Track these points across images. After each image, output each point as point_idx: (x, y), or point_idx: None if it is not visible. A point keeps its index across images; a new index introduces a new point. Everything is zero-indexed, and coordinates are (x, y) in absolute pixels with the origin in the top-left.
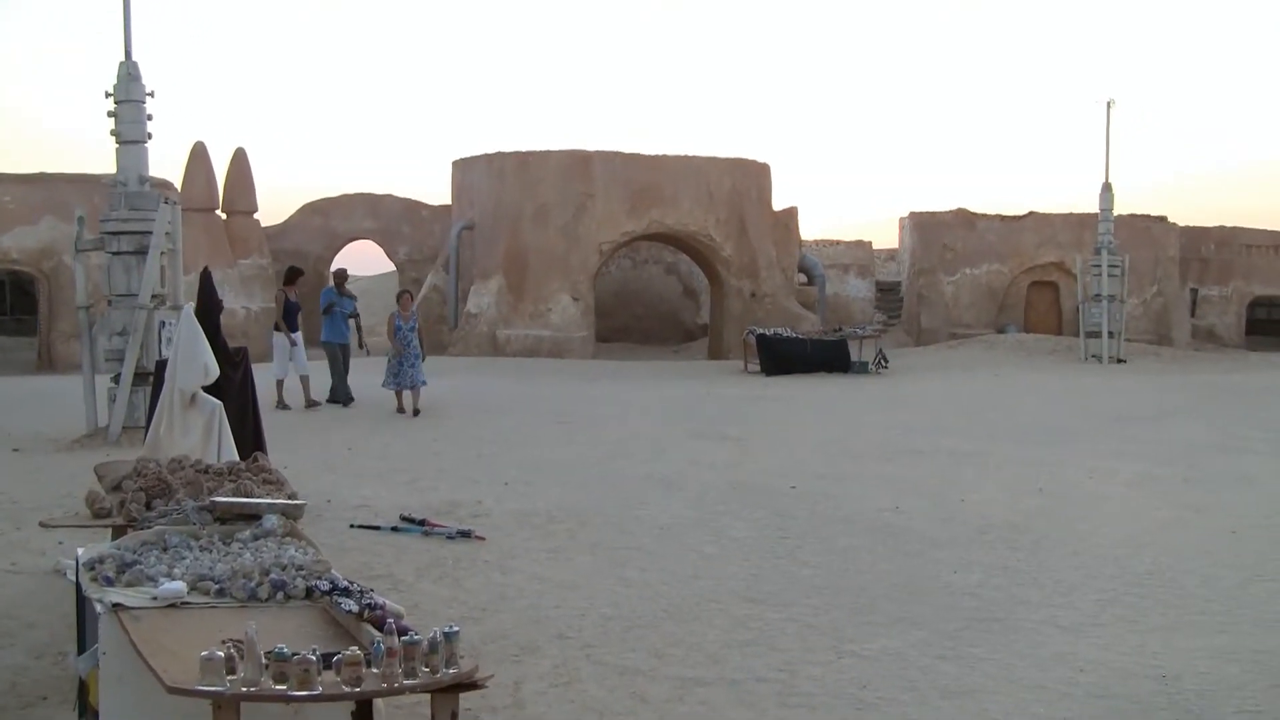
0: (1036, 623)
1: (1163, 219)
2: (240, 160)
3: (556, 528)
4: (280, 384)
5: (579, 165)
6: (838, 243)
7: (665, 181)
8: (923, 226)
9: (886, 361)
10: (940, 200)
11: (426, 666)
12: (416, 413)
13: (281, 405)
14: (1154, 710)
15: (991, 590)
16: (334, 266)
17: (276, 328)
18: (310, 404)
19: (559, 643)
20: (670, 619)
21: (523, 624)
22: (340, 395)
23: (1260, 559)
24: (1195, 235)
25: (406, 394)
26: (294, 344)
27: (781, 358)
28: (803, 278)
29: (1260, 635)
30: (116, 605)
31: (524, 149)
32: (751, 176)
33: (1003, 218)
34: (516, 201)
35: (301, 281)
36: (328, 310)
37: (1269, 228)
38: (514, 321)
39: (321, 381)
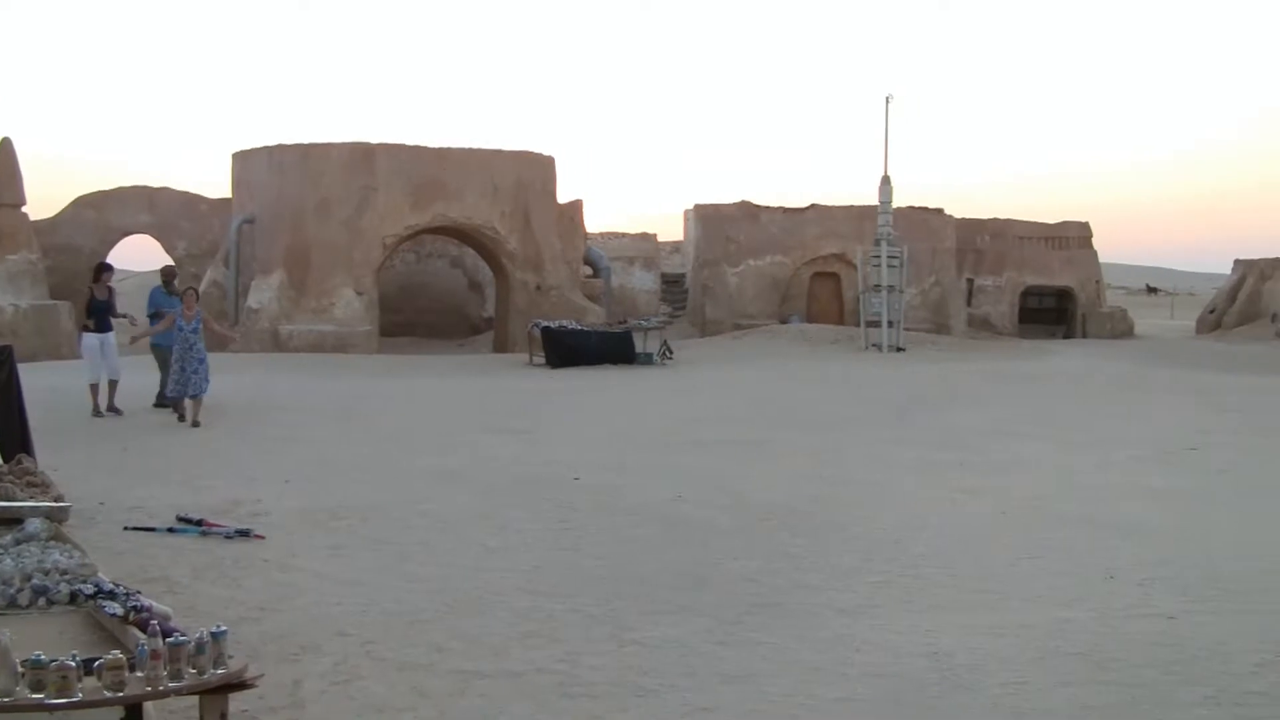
0: (815, 606)
1: (940, 211)
2: (5, 150)
3: (338, 524)
4: (94, 389)
5: (362, 158)
6: (623, 235)
7: (450, 174)
8: (707, 219)
9: (671, 353)
10: (724, 193)
11: (193, 668)
12: (196, 424)
13: (96, 413)
14: (926, 686)
15: (772, 576)
16: (106, 261)
17: (84, 328)
18: (111, 410)
19: (340, 640)
20: (452, 613)
21: (303, 622)
22: (170, 400)
23: (1028, 539)
24: (971, 227)
25: (189, 402)
26: (105, 345)
27: (567, 350)
28: (588, 270)
29: (1027, 611)
30: None
31: (305, 141)
32: (536, 169)
33: (785, 210)
34: (298, 195)
35: (79, 279)
36: (155, 315)
37: (1041, 220)
38: (296, 317)
39: (148, 384)
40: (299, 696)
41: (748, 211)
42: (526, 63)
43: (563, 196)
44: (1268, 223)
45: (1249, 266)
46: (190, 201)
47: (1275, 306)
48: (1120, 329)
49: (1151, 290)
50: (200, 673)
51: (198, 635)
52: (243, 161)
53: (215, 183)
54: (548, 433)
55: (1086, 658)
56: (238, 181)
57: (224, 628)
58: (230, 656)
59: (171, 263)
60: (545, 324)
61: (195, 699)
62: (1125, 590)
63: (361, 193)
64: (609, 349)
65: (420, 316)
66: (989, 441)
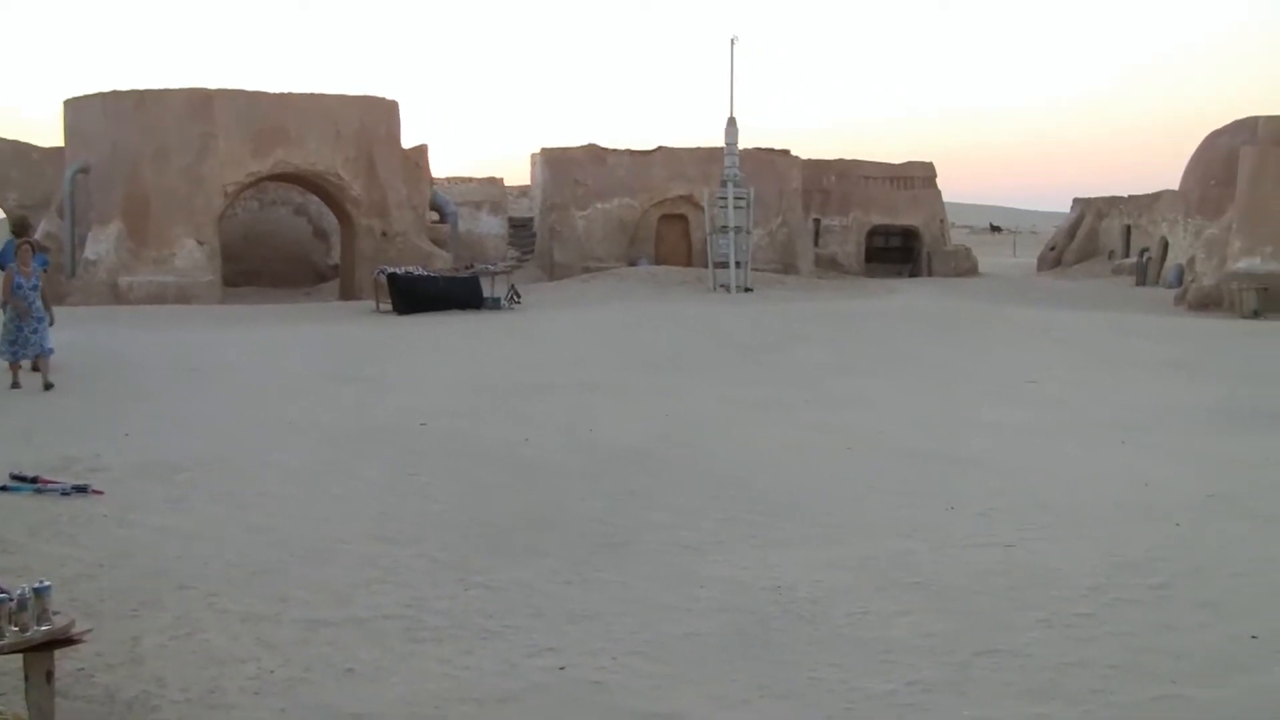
0: (661, 544)
1: (786, 153)
2: None
3: (180, 477)
4: None
5: (200, 104)
6: (470, 180)
7: (291, 120)
8: (554, 162)
9: (519, 297)
10: (571, 136)
11: (15, 625)
12: (49, 386)
13: None
14: (770, 619)
15: (619, 516)
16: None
17: None
18: None
19: (181, 594)
20: (297, 562)
21: (143, 577)
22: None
23: (872, 473)
24: (817, 168)
25: (25, 365)
26: None
27: (414, 296)
28: (434, 216)
29: (869, 543)
30: None
31: (141, 87)
32: (380, 114)
33: (632, 153)
34: (134, 143)
35: None
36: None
37: (886, 160)
38: (136, 268)
39: None
40: (138, 652)
41: (595, 154)
42: (367, 4)
43: (407, 141)
44: (1104, 163)
45: (1087, 205)
46: (20, 150)
47: (1112, 244)
48: (965, 267)
49: (995, 229)
50: (23, 630)
51: (19, 592)
52: (76, 109)
53: (47, 132)
54: (394, 380)
55: (925, 587)
56: (71, 129)
57: (47, 583)
58: (56, 613)
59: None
60: (391, 270)
61: (19, 657)
62: (964, 521)
63: (201, 140)
64: (456, 294)
65: (265, 265)
66: (835, 379)
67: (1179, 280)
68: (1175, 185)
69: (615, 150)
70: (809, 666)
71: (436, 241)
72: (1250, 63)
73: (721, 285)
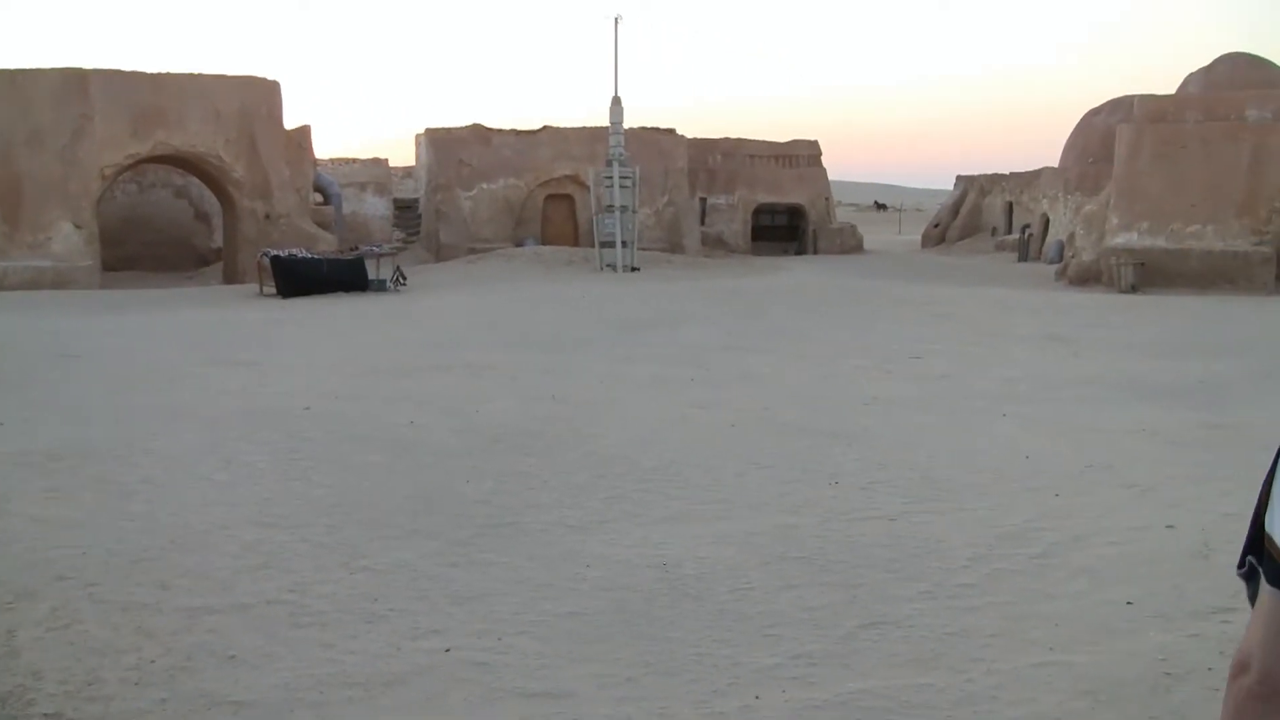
0: (546, 524)
1: (672, 132)
2: None
3: (57, 466)
4: None
5: (75, 84)
6: (354, 161)
7: (170, 101)
8: (439, 143)
9: (405, 279)
10: (456, 116)
11: None
12: None
13: None
14: (655, 596)
15: (504, 496)
16: None
17: None
18: None
19: (58, 584)
20: (178, 549)
21: (17, 569)
22: None
23: (755, 448)
24: (703, 147)
25: None
26: None
27: (298, 279)
28: (318, 198)
29: (754, 518)
30: None
31: (12, 67)
32: (261, 95)
33: (518, 132)
34: (6, 124)
35: None
36: None
37: (772, 139)
38: (10, 253)
39: None
40: (14, 645)
41: (480, 134)
42: None
43: (289, 122)
44: (987, 141)
45: (970, 182)
46: None
47: (994, 220)
48: (850, 244)
49: (880, 206)
50: None
51: None
52: None
53: None
54: (278, 364)
55: (810, 561)
56: None
57: None
58: None
59: None
60: (275, 253)
61: None
62: (849, 495)
63: (76, 121)
64: (341, 277)
65: (145, 249)
66: (721, 357)
67: (1059, 256)
68: (1055, 163)
69: (500, 130)
70: (694, 642)
71: (320, 223)
72: (1126, 44)
73: (608, 265)
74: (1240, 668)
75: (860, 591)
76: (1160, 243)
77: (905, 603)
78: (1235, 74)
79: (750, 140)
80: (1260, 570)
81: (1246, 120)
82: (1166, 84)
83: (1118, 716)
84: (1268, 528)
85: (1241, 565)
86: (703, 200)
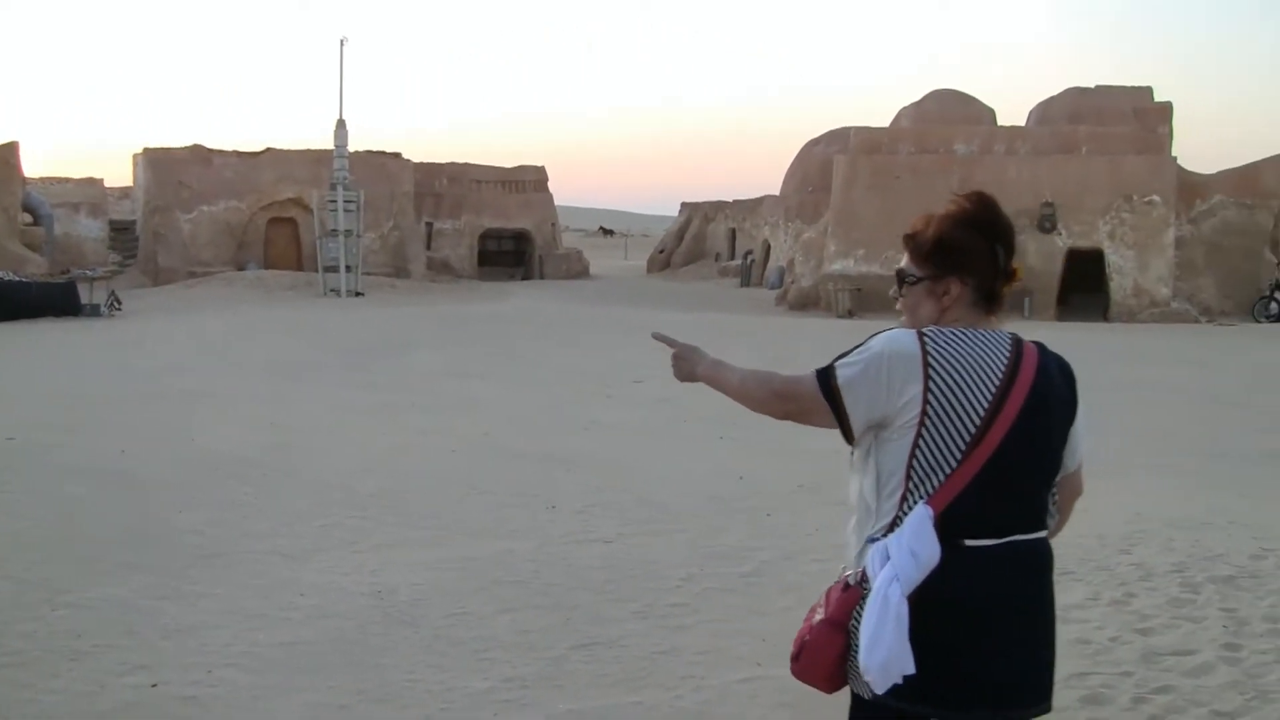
0: (261, 553)
1: (397, 155)
2: None
3: None
4: None
5: None
6: (66, 180)
7: None
8: (157, 163)
9: (120, 303)
10: (175, 135)
11: None
12: None
13: None
14: (369, 624)
15: (218, 527)
16: None
17: None
18: None
19: None
20: None
21: None
22: None
23: (475, 474)
24: (429, 171)
25: None
26: None
27: (4, 303)
28: (28, 218)
29: (471, 544)
30: None
31: None
32: None
33: (240, 154)
34: None
35: None
36: None
37: (498, 164)
38: None
39: None
40: None
41: (200, 155)
42: None
43: None
44: (711, 169)
45: (694, 209)
46: None
47: (718, 246)
48: (576, 270)
49: (606, 232)
50: None
51: None
52: None
53: None
54: None
55: (527, 585)
56: None
57: None
58: None
59: None
60: None
61: None
62: (566, 519)
63: None
64: (51, 301)
65: None
66: (444, 383)
67: (780, 281)
68: (777, 191)
69: (222, 151)
70: (408, 669)
71: (30, 245)
72: (844, 76)
73: (332, 290)
74: (784, 396)
75: (575, 614)
76: (875, 269)
77: (618, 623)
78: (944, 109)
79: (477, 165)
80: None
81: (955, 153)
82: (881, 118)
83: None
84: (839, 363)
85: (817, 370)
86: (429, 225)
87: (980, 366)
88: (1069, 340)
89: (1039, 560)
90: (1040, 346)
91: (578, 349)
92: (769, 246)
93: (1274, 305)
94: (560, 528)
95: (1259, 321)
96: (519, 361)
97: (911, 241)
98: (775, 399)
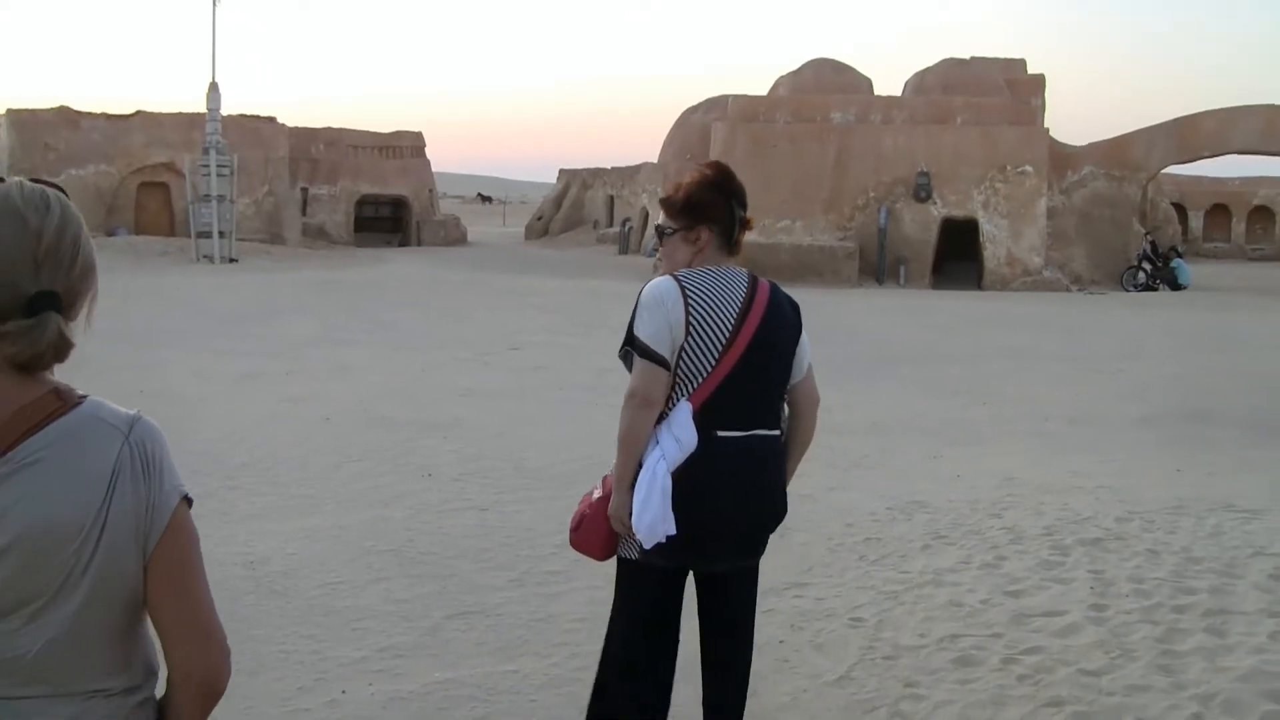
0: None
1: (272, 120)
2: None
3: None
4: None
5: None
6: None
7: None
8: (21, 125)
9: None
10: (40, 97)
11: None
12: None
13: None
14: (241, 595)
15: None
16: None
17: None
18: None
19: None
20: None
21: None
22: None
23: (349, 442)
24: (305, 136)
25: None
26: None
27: None
28: None
29: (343, 513)
30: None
31: None
32: None
33: (109, 116)
34: None
35: None
36: None
37: (375, 129)
38: None
39: None
40: None
41: (68, 118)
42: None
43: None
44: (589, 136)
45: (572, 176)
46: None
47: (596, 213)
48: (454, 236)
49: (484, 199)
50: None
51: None
52: None
53: None
54: None
55: (400, 554)
56: None
57: None
58: None
59: None
60: None
61: None
62: (442, 486)
63: None
64: None
65: None
66: (318, 350)
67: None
68: (655, 158)
69: (90, 114)
70: (280, 640)
71: None
72: (722, 45)
73: (205, 256)
74: (632, 395)
75: (450, 582)
76: (753, 237)
77: (494, 591)
78: (821, 78)
79: (353, 130)
80: (632, 352)
81: (832, 122)
82: (759, 86)
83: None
84: (635, 331)
85: (621, 351)
86: (304, 191)
87: (725, 296)
88: (944, 308)
89: (771, 449)
90: (772, 284)
91: (454, 316)
92: (647, 214)
93: (1142, 275)
94: (436, 495)
95: (1127, 290)
96: (395, 329)
97: (667, 202)
98: (634, 408)
